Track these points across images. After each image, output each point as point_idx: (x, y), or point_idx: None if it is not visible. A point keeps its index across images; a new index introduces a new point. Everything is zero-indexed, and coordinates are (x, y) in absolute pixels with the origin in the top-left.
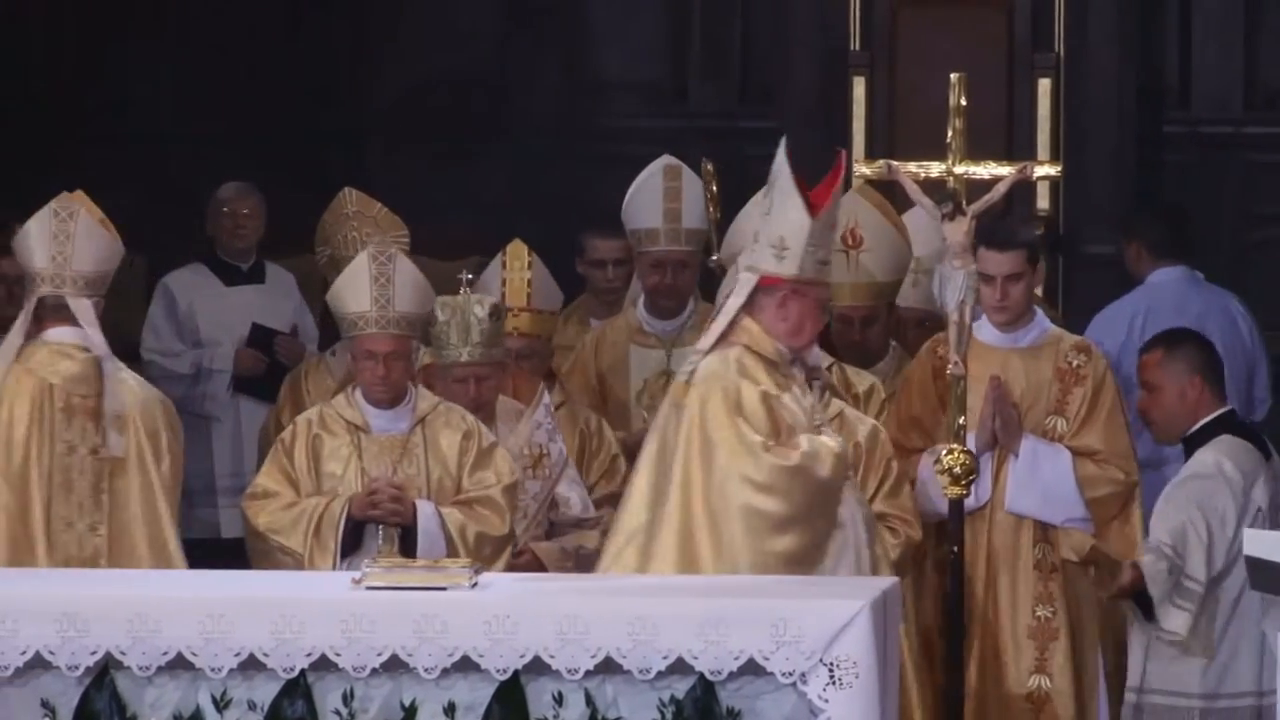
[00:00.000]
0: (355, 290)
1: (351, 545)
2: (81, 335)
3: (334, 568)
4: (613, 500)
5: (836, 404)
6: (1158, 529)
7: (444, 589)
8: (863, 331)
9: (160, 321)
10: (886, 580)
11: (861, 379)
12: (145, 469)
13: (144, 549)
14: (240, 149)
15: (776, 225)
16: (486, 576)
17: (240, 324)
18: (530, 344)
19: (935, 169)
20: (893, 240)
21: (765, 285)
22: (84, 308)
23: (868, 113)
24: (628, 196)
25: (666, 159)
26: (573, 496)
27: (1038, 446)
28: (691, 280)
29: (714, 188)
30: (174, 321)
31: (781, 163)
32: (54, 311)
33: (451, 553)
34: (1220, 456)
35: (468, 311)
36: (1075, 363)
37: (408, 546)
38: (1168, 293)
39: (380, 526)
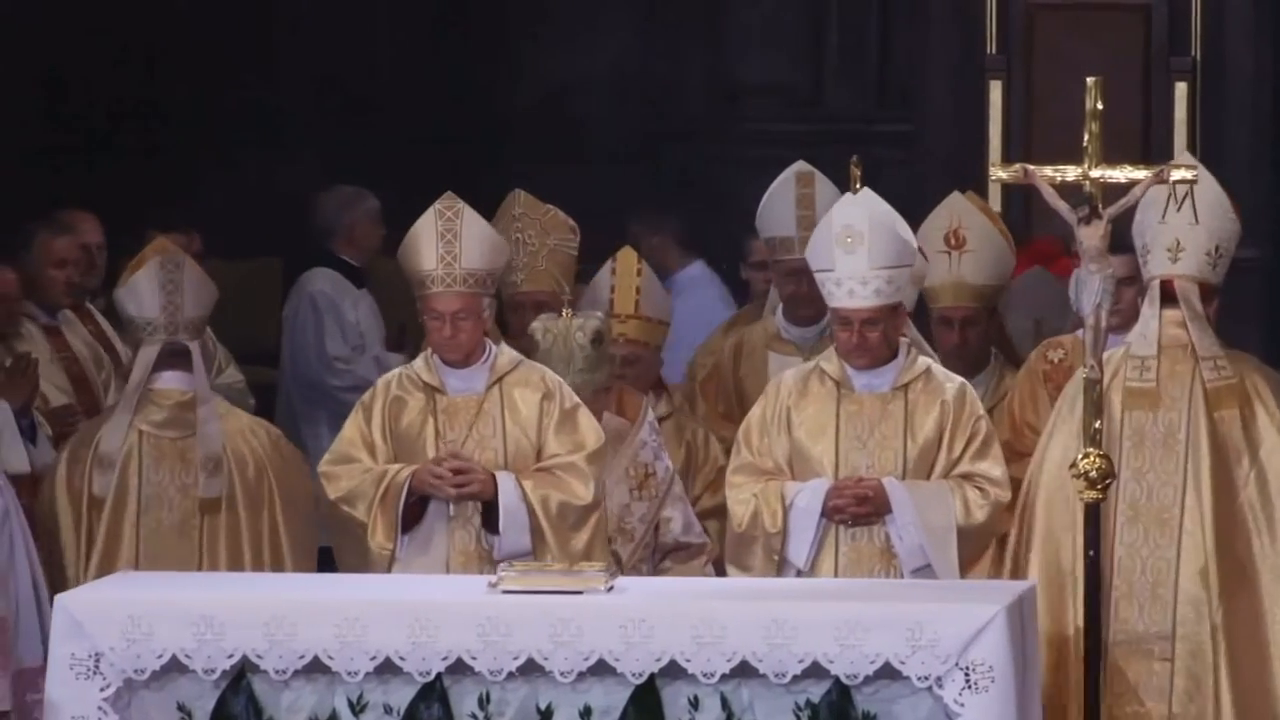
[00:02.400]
0: (421, 248)
1: (415, 518)
2: (188, 380)
3: (394, 543)
4: (716, 514)
5: (923, 360)
6: None
7: (579, 593)
8: (962, 333)
9: (334, 329)
10: (1023, 584)
11: (949, 379)
12: (255, 509)
13: None
14: (363, 151)
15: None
16: (622, 580)
17: (378, 326)
18: (636, 351)
19: (1071, 173)
20: (996, 244)
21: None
22: (196, 352)
23: (1004, 116)
24: (762, 204)
25: (799, 165)
26: (675, 517)
27: None
28: None
29: (859, 186)
30: (343, 328)
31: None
32: (164, 359)
33: (534, 526)
34: None
35: (569, 337)
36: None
37: (490, 520)
38: None
39: (450, 503)
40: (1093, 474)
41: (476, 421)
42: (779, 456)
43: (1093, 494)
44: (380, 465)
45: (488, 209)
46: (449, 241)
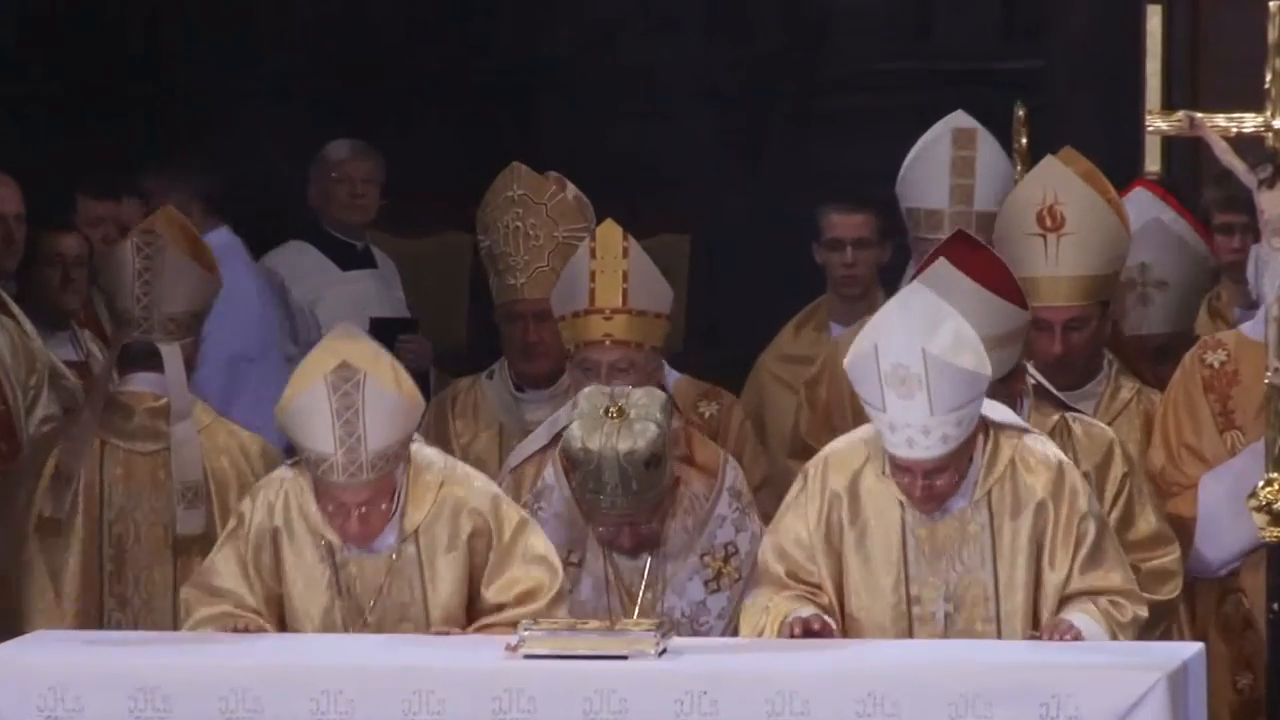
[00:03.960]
0: (314, 425)
1: None
2: (162, 384)
3: None
4: None
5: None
6: None
7: (624, 657)
8: (1065, 340)
9: (270, 316)
10: (1189, 646)
11: (1093, 439)
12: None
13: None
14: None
15: None
16: (677, 641)
17: (364, 320)
18: (627, 355)
19: (1250, 122)
20: (1107, 222)
21: None
22: (172, 354)
23: (1164, 51)
24: (905, 165)
25: (957, 118)
26: None
27: None
28: None
29: (1024, 139)
30: (286, 316)
31: None
32: (140, 358)
33: None
34: None
35: (612, 459)
36: None
37: None
38: None
39: None
40: (1278, 506)
41: (389, 585)
42: (824, 578)
43: (1277, 531)
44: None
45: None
46: (349, 423)
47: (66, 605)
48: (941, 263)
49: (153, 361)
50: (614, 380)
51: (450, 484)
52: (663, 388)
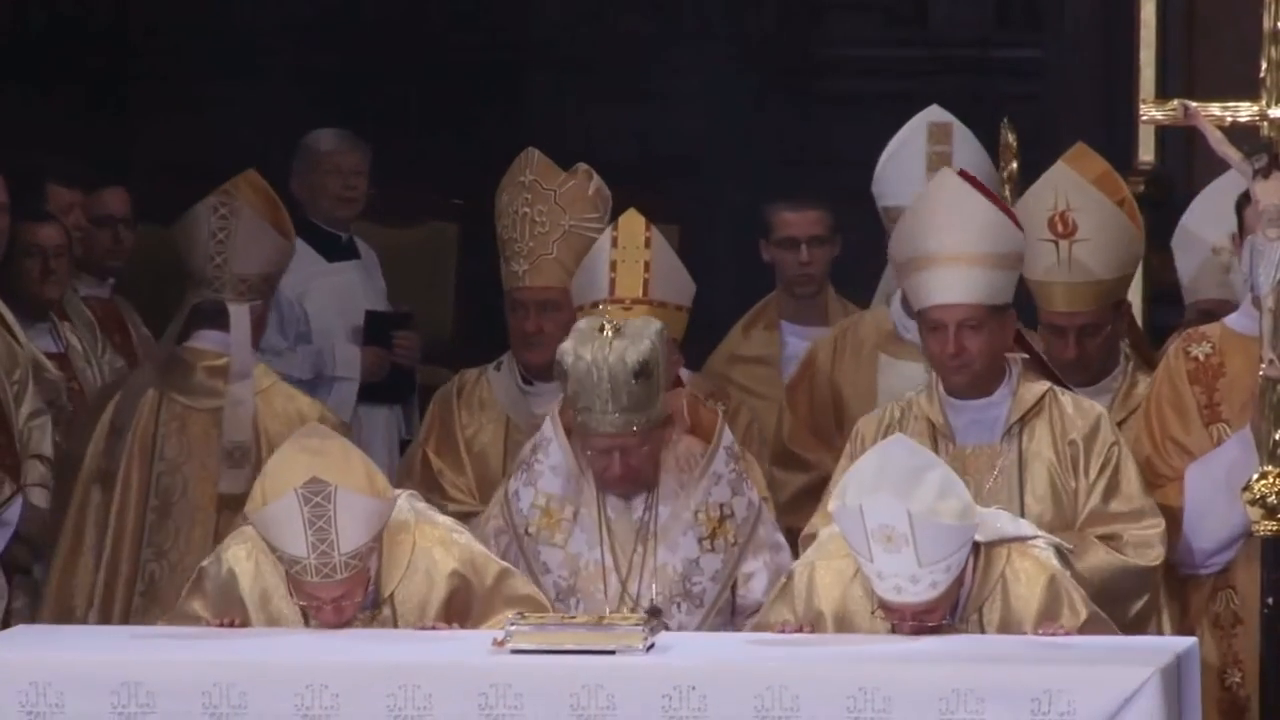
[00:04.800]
0: (285, 532)
1: None
2: (227, 343)
3: None
4: None
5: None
6: None
7: (611, 652)
8: (1079, 345)
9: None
10: (1182, 640)
11: (1082, 412)
12: None
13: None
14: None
15: None
16: (665, 637)
17: (350, 312)
18: None
19: (1245, 111)
20: (1119, 226)
21: None
22: (240, 314)
23: (1159, 39)
24: (880, 163)
25: (932, 114)
26: (758, 571)
27: None
28: None
29: (1014, 164)
30: (276, 310)
31: None
32: (209, 317)
33: None
34: None
35: (604, 367)
36: None
37: None
38: None
39: None
40: (1272, 499)
41: None
42: None
43: (1272, 525)
44: None
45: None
46: (321, 530)
47: (102, 556)
48: (946, 172)
49: (221, 321)
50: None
51: (424, 542)
52: (678, 381)
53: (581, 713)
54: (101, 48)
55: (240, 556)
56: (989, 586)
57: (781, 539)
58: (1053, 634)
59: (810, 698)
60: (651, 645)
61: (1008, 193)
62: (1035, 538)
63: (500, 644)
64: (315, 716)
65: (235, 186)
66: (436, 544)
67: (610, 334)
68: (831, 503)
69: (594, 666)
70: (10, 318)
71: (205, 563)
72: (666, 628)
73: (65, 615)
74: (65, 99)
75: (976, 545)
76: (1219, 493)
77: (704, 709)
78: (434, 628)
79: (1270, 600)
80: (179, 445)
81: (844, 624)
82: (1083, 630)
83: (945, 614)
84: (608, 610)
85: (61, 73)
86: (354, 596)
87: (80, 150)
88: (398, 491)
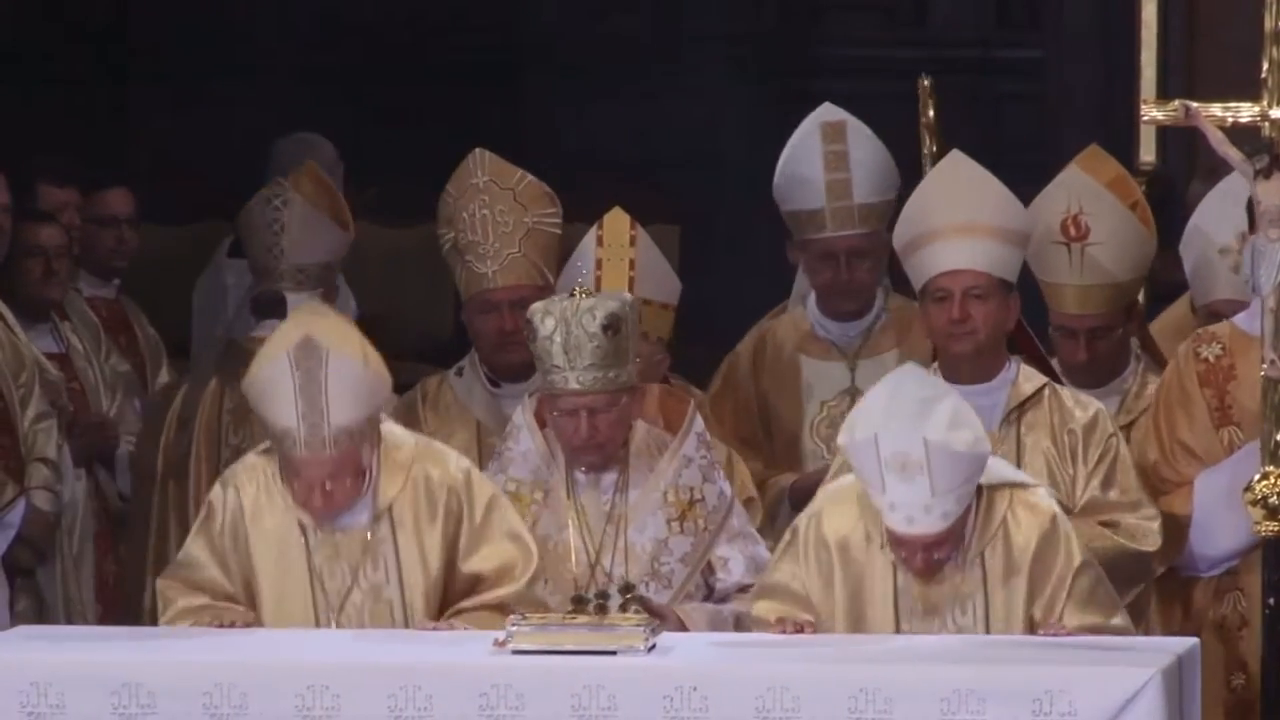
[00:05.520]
0: (277, 398)
1: None
2: None
3: None
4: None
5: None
6: None
7: (612, 653)
8: (1090, 348)
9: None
10: (1184, 641)
11: (1082, 405)
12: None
13: None
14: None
15: None
16: (667, 637)
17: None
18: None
19: (1246, 112)
20: (1131, 229)
21: None
22: (297, 304)
23: (1160, 39)
24: (779, 167)
25: (824, 112)
26: (734, 557)
27: None
28: (874, 271)
29: (930, 112)
30: None
31: None
32: (270, 307)
33: None
34: None
35: (572, 321)
36: None
37: None
38: None
39: None
40: (1273, 500)
41: (364, 562)
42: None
43: (1273, 525)
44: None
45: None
46: (311, 397)
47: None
48: (956, 153)
49: (280, 310)
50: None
51: (422, 461)
52: (666, 380)
53: (582, 713)
54: (102, 47)
55: (224, 494)
56: (991, 530)
57: (755, 533)
58: (1055, 634)
59: (811, 698)
60: (653, 646)
61: (928, 141)
62: (1036, 486)
63: (501, 644)
64: (316, 717)
65: (291, 177)
66: (434, 461)
67: (580, 297)
68: (841, 437)
69: (595, 667)
70: (11, 319)
71: (211, 494)
72: (643, 601)
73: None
74: (65, 99)
75: (979, 488)
76: (1228, 503)
77: (705, 709)
78: (434, 628)
79: (1271, 601)
80: (243, 433)
81: (846, 568)
82: (1075, 578)
83: (952, 550)
84: (575, 589)
85: (61, 72)
86: (342, 481)
87: (79, 150)
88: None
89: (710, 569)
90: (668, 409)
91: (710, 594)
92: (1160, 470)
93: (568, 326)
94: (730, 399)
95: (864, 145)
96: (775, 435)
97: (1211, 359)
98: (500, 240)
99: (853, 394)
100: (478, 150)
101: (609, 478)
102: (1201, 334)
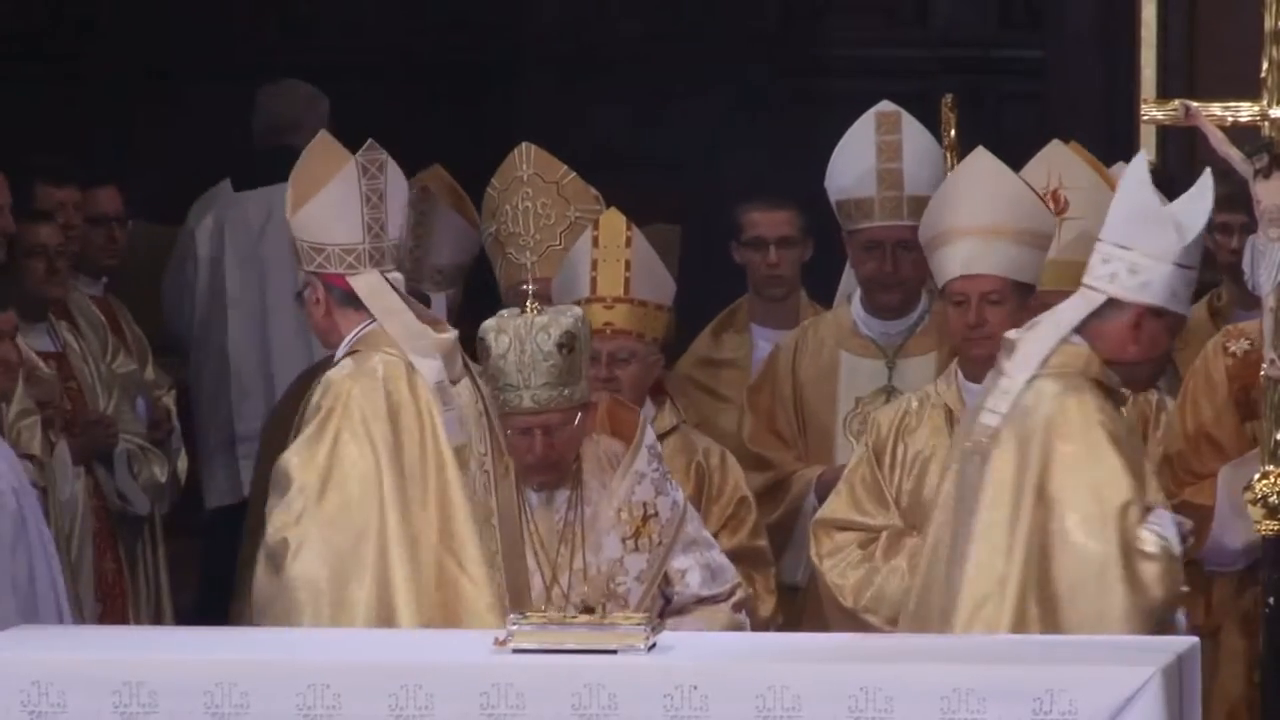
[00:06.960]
0: (344, 210)
1: None
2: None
3: None
4: (740, 558)
5: None
6: None
7: (613, 652)
8: None
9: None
10: (1184, 640)
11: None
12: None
13: None
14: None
15: None
16: (668, 636)
17: None
18: (628, 345)
19: (1246, 111)
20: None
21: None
22: (437, 304)
23: (1160, 39)
24: (832, 158)
25: (880, 107)
26: (692, 568)
27: None
28: (919, 266)
29: (952, 132)
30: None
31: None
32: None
33: None
34: None
35: (526, 339)
36: None
37: None
38: None
39: None
40: (1274, 499)
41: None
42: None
43: (1273, 524)
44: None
45: (493, 155)
46: (375, 206)
47: None
48: (980, 150)
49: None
50: (614, 371)
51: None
52: (661, 385)
53: (583, 712)
54: (102, 47)
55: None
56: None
57: (710, 536)
58: None
59: (812, 697)
60: (654, 645)
61: (949, 158)
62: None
63: (502, 643)
64: (317, 716)
65: (427, 179)
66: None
67: (533, 314)
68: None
69: (596, 666)
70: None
71: (322, 399)
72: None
73: None
74: (64, 98)
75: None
76: None
77: (706, 708)
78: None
79: (1272, 600)
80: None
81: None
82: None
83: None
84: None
85: (60, 72)
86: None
87: (78, 150)
88: None
89: (668, 580)
90: (616, 419)
91: (667, 605)
92: (1185, 461)
93: (522, 345)
94: (769, 390)
95: (917, 138)
96: (809, 428)
97: (1240, 354)
98: (542, 232)
99: (889, 392)
100: (524, 144)
101: (562, 495)
102: (1230, 330)
